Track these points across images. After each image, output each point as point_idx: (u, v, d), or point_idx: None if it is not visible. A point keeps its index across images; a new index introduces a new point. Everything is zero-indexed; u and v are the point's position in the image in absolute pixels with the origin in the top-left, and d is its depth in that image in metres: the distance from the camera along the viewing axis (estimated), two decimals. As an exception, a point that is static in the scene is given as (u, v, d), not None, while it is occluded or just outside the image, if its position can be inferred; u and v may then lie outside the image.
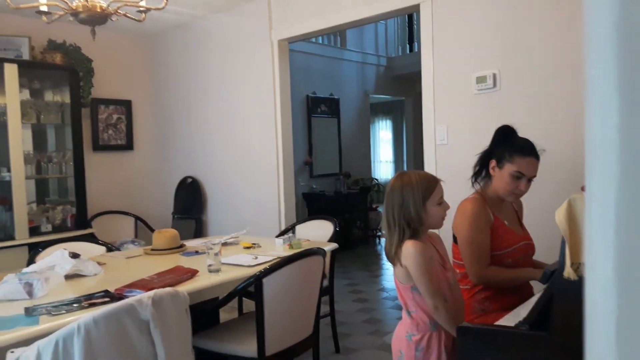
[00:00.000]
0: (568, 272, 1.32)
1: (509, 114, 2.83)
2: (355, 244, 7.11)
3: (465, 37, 3.05)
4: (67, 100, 4.32)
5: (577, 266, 1.33)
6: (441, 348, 1.70)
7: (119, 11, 2.56)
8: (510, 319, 1.65)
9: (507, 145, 2.04)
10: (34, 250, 2.80)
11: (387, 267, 6.06)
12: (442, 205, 1.75)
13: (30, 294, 1.94)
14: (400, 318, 1.85)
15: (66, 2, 2.45)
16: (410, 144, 9.75)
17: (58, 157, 4.34)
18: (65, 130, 4.41)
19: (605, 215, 0.34)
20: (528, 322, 1.46)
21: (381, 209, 7.95)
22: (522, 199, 2.22)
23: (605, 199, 0.34)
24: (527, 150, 2.02)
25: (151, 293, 1.62)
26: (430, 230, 1.83)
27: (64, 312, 1.76)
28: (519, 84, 2.85)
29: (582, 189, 1.34)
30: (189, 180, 5.01)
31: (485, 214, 2.04)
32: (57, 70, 4.32)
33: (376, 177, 9.01)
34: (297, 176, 6.14)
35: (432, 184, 1.73)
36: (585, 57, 0.37)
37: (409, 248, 1.67)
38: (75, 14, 2.44)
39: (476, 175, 2.16)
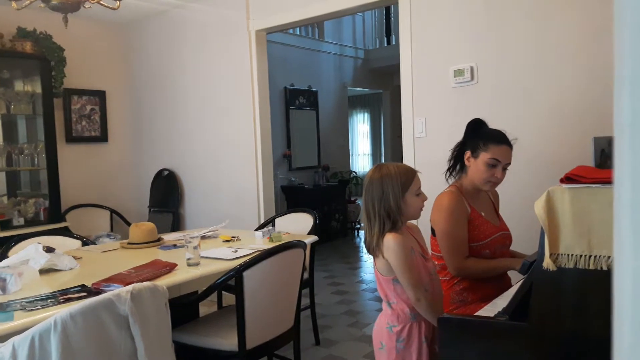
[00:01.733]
0: (547, 262, 1.35)
1: (486, 107, 2.86)
2: (334, 236, 7.13)
3: (443, 30, 3.06)
4: (38, 90, 4.20)
5: (556, 257, 1.35)
6: (421, 338, 1.72)
7: (93, -2, 2.49)
8: (488, 310, 1.67)
9: (480, 135, 2.09)
10: (7, 245, 2.72)
11: (366, 259, 6.10)
12: (420, 196, 1.76)
13: (3, 289, 1.89)
14: (379, 310, 1.86)
15: (38, -11, 2.38)
16: (387, 136, 9.79)
17: (30, 148, 4.22)
18: (37, 121, 4.29)
19: (637, 198, 0.33)
20: (507, 313, 1.49)
21: (360, 201, 7.99)
22: (499, 189, 2.26)
23: (638, 180, 0.33)
24: (501, 138, 2.08)
25: (129, 287, 1.59)
26: (409, 222, 1.84)
27: (39, 307, 1.72)
28: (497, 77, 2.88)
29: (561, 180, 1.36)
30: (165, 172, 4.94)
31: (462, 206, 2.07)
32: (27, 59, 4.19)
33: (354, 170, 9.04)
34: (276, 169, 6.11)
35: (410, 175, 1.75)
36: (614, 28, 0.35)
37: (390, 241, 1.68)
38: (46, 0, 2.36)
39: (450, 169, 2.19)
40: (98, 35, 4.96)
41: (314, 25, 7.49)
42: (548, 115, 2.71)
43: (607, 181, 1.30)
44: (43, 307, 1.73)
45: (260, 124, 4.16)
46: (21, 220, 4.03)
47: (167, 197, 4.89)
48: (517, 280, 2.04)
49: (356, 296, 4.49)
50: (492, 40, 2.88)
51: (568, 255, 1.34)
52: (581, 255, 1.32)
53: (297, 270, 2.43)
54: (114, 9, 2.61)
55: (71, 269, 2.31)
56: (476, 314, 1.66)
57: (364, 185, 1.78)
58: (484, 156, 2.04)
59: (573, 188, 1.33)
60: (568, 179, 1.35)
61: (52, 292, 1.90)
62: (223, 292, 3.38)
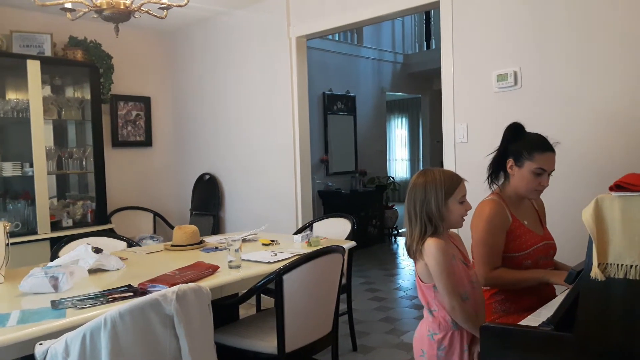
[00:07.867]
0: (595, 272, 1.31)
1: (530, 113, 2.80)
2: (371, 242, 7.09)
3: (486, 35, 3.02)
4: (88, 96, 4.37)
5: (605, 266, 1.31)
6: (463, 347, 1.70)
7: (142, 8, 2.59)
8: (532, 320, 1.63)
9: (522, 142, 2.03)
10: (57, 245, 2.84)
11: (404, 265, 6.04)
12: (464, 204, 1.75)
13: (55, 287, 1.97)
14: (417, 318, 1.85)
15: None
16: (426, 142, 9.69)
17: (78, 152, 4.40)
18: (86, 126, 4.47)
19: None
20: (553, 323, 1.45)
21: (397, 207, 7.92)
22: (543, 197, 2.19)
23: None
24: (545, 145, 2.02)
25: (175, 288, 1.63)
26: (451, 230, 1.83)
27: (89, 305, 1.79)
28: (541, 82, 2.81)
29: (611, 188, 1.32)
30: (207, 176, 5.05)
31: (503, 216, 2.02)
32: (78, 67, 4.38)
33: (392, 176, 8.98)
34: (313, 174, 6.14)
35: (456, 181, 1.74)
36: None
37: (431, 246, 1.67)
38: (99, 11, 2.47)
39: (492, 176, 2.14)
40: (144, 43, 5.13)
41: (353, 31, 7.51)
42: (596, 121, 2.62)
43: (660, 189, 1.26)
44: (93, 305, 1.80)
45: (299, 129, 4.21)
46: (70, 222, 4.20)
47: (208, 200, 4.99)
48: (561, 290, 1.98)
49: (394, 303, 4.45)
50: (537, 44, 2.82)
51: (617, 265, 1.30)
52: (632, 266, 1.28)
53: (335, 275, 2.44)
54: (162, 18, 2.70)
55: (118, 269, 2.39)
56: (519, 323, 1.63)
57: (408, 189, 1.78)
58: (530, 165, 1.99)
59: (623, 196, 1.29)
60: (618, 186, 1.31)
61: (101, 292, 1.97)
62: (262, 294, 3.42)
